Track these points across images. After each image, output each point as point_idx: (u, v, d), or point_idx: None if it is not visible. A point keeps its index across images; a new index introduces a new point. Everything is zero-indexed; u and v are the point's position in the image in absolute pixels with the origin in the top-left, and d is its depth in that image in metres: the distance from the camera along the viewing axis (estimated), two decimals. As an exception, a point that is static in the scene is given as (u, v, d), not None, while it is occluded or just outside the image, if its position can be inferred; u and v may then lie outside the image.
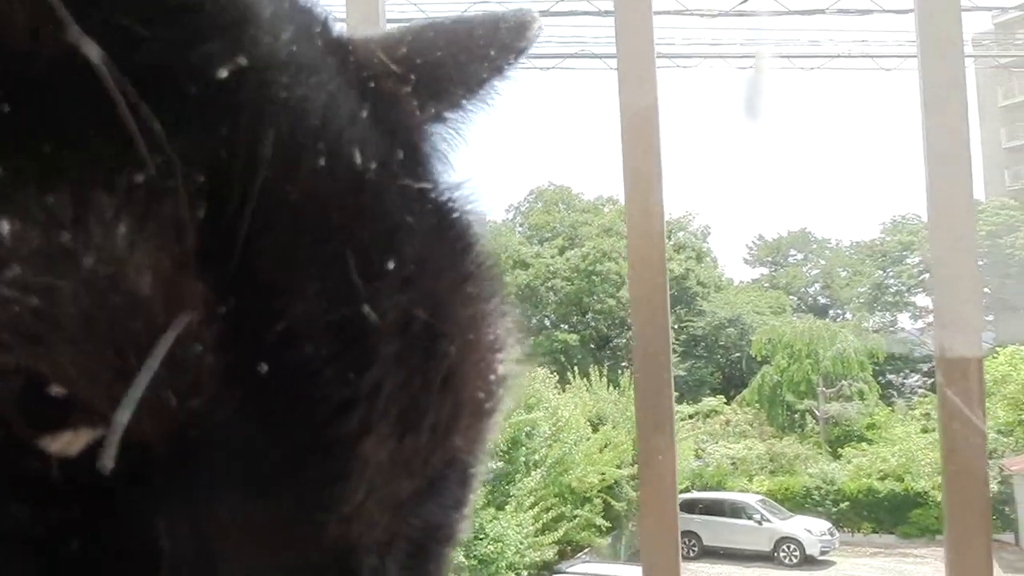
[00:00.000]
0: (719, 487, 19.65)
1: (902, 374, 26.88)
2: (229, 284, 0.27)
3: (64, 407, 0.26)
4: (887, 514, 19.25)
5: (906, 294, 29.29)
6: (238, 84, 0.29)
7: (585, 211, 27.83)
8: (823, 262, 32.71)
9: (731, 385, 26.50)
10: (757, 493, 19.40)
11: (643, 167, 1.01)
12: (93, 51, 0.26)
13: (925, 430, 21.82)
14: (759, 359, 24.80)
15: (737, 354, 27.61)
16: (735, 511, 17.97)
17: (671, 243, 25.60)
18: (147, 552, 0.28)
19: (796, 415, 24.05)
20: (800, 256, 33.57)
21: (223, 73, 0.29)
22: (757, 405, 24.06)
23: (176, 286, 0.26)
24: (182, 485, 0.27)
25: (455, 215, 0.35)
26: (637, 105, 1.01)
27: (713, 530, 17.61)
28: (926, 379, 26.01)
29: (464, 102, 0.43)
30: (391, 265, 0.31)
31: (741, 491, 19.55)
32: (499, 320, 0.36)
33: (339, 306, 0.29)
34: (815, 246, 33.29)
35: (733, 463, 21.32)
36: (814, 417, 23.77)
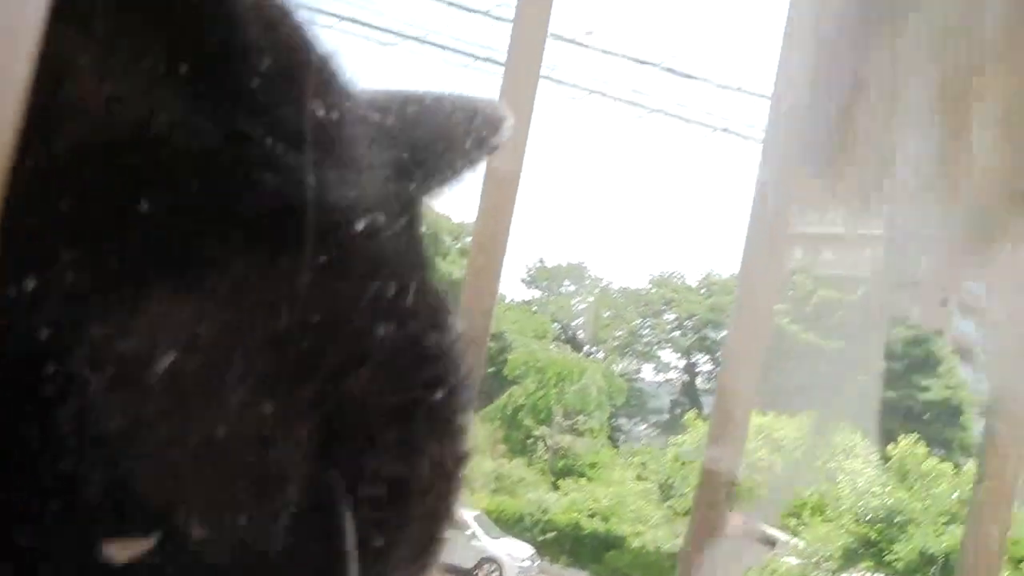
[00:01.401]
0: (440, 497, 19.97)
1: (634, 420, 28.53)
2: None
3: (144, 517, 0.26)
4: (586, 551, 20.35)
5: (655, 347, 31.13)
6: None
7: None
8: (591, 299, 34.14)
9: (478, 398, 27.01)
10: (475, 509, 19.95)
11: (496, 231, 1.02)
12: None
13: (640, 478, 23.24)
14: (511, 378, 25.54)
15: (492, 369, 28.30)
16: (448, 524, 18.36)
17: (457, 246, 25.88)
18: None
19: (530, 440, 24.95)
20: (572, 288, 34.91)
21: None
22: (498, 422, 24.75)
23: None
24: None
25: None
26: (503, 168, 1.01)
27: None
28: (652, 431, 27.74)
29: (437, 188, 0.44)
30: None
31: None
32: None
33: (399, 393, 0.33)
34: (588, 282, 34.73)
35: (460, 475, 21.78)
36: (546, 445, 24.74)
